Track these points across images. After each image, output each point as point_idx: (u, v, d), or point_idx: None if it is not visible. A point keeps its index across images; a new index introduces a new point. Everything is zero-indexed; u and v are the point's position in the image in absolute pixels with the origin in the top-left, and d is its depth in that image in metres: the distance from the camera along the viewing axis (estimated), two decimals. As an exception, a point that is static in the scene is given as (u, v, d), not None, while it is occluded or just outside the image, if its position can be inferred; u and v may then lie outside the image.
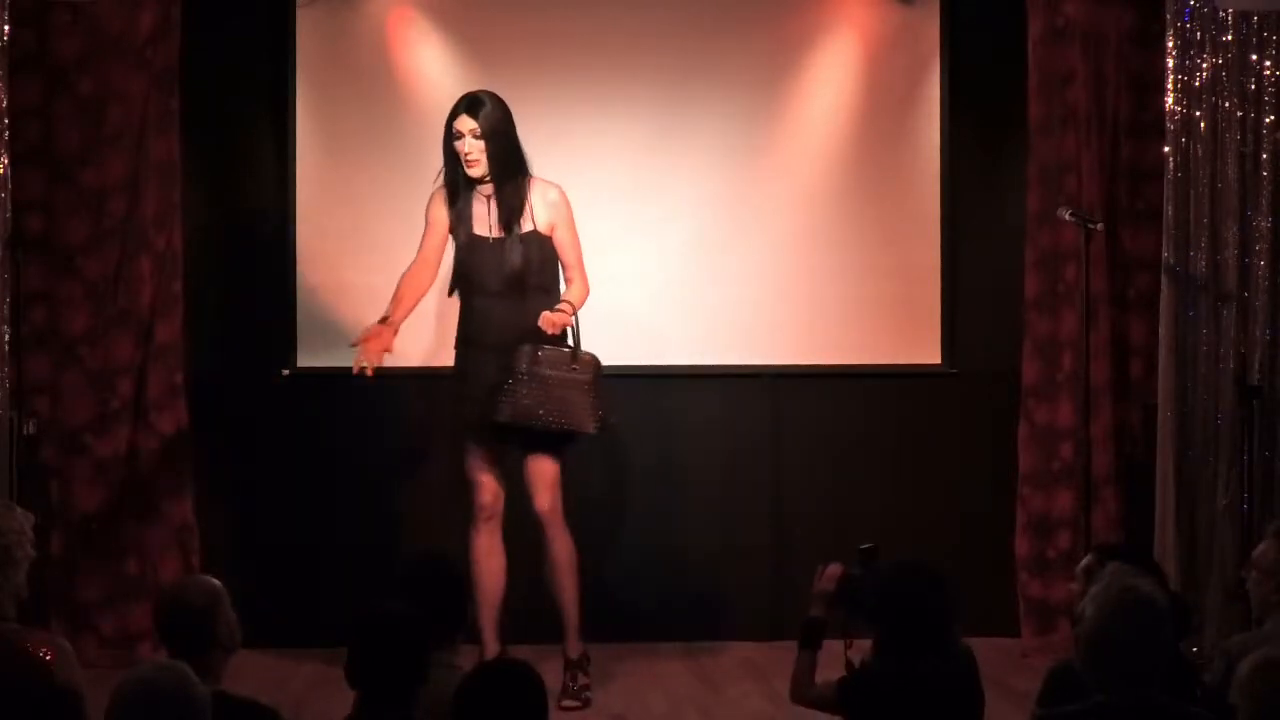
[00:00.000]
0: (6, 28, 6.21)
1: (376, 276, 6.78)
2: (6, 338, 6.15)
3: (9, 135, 6.21)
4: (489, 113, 5.77)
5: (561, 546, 5.94)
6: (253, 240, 6.86)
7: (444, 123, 5.82)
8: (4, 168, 6.17)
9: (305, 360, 6.80)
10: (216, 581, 3.89)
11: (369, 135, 6.81)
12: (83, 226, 6.43)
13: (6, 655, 3.83)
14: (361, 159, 6.82)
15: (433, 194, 5.96)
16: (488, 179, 5.81)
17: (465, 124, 5.76)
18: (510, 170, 5.80)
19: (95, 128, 6.43)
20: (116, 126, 6.43)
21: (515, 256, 5.80)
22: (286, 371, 6.79)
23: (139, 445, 6.48)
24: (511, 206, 5.80)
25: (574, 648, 5.96)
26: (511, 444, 5.93)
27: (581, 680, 5.92)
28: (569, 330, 5.82)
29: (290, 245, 6.78)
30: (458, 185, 5.85)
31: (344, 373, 6.76)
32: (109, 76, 6.42)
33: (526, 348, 5.74)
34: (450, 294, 6.01)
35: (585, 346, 5.85)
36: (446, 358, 6.70)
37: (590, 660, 6.00)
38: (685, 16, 6.88)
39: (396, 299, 5.91)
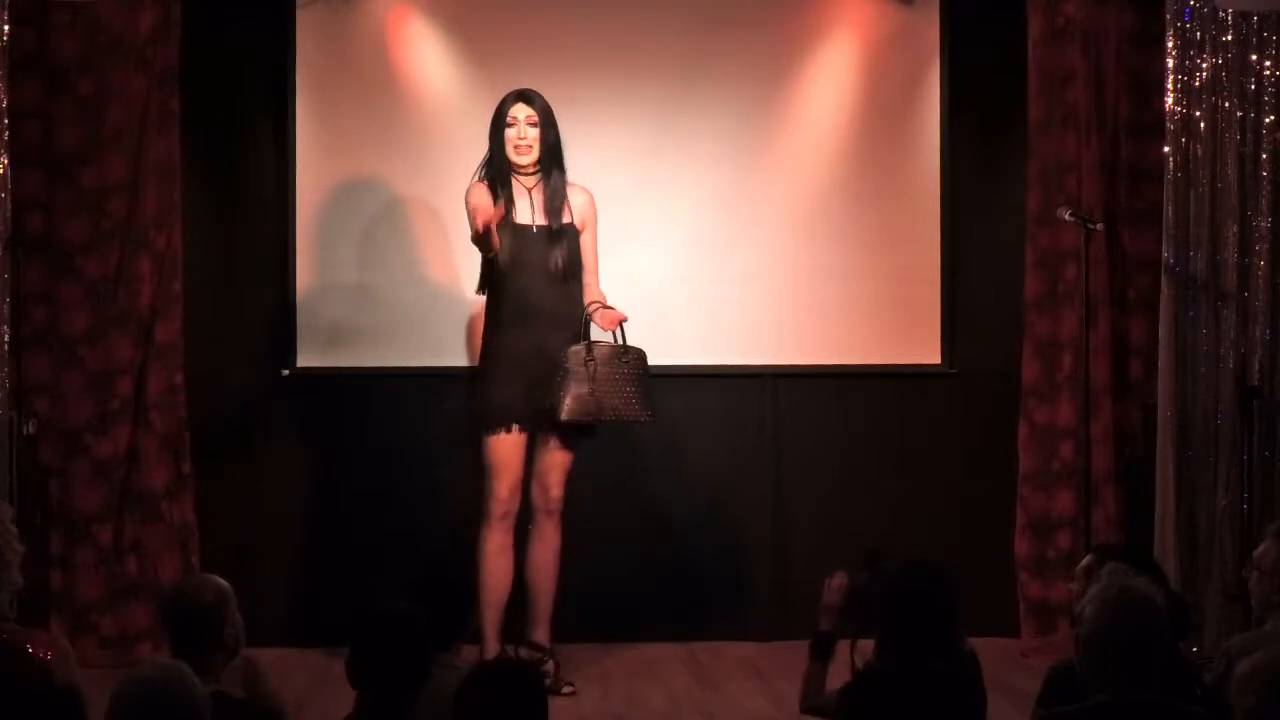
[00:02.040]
0: (6, 28, 6.21)
1: (376, 276, 6.80)
2: (6, 338, 6.15)
3: (9, 135, 6.20)
4: (543, 105, 5.97)
5: (558, 538, 6.04)
6: (253, 240, 6.87)
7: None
8: (4, 168, 6.17)
9: (305, 360, 6.80)
10: (225, 582, 3.88)
11: (369, 135, 6.81)
12: (83, 226, 6.43)
13: (6, 655, 3.83)
14: (361, 159, 6.81)
15: (470, 188, 5.99)
16: (535, 168, 5.95)
17: (522, 111, 5.94)
18: (555, 163, 5.98)
19: (95, 128, 6.43)
20: (116, 126, 6.43)
21: (562, 245, 5.95)
22: (286, 371, 6.79)
23: (139, 445, 6.48)
24: (557, 197, 5.97)
25: (549, 635, 6.02)
26: (541, 436, 5.98)
27: (550, 667, 5.95)
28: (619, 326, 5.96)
29: (290, 245, 6.78)
30: (505, 175, 5.94)
31: (344, 373, 6.81)
32: (109, 76, 6.42)
33: (580, 346, 5.86)
34: (480, 290, 6.04)
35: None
36: (447, 357, 6.73)
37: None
38: (685, 16, 6.89)
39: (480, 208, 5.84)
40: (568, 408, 5.82)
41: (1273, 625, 4.26)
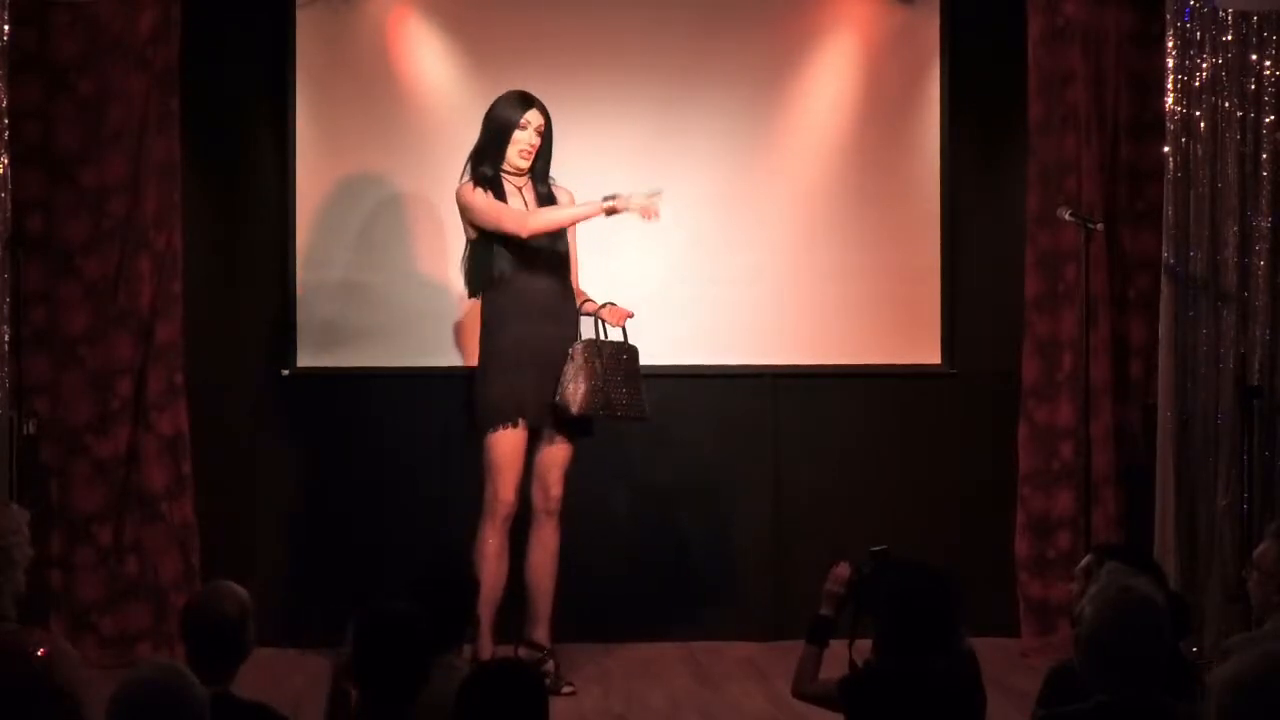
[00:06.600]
0: (6, 28, 6.21)
1: (376, 276, 6.80)
2: (6, 338, 6.15)
3: (9, 135, 6.20)
4: (548, 115, 6.04)
5: (557, 538, 6.06)
6: (253, 240, 6.87)
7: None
8: (4, 168, 6.17)
9: (305, 360, 6.80)
10: (244, 592, 3.86)
11: (369, 135, 6.81)
12: (83, 226, 6.44)
13: (6, 656, 3.83)
14: (361, 159, 6.82)
15: (459, 190, 6.00)
16: (527, 173, 6.02)
17: (536, 119, 6.01)
18: (546, 168, 6.07)
19: (95, 128, 6.43)
20: (116, 126, 6.43)
21: (562, 243, 6.02)
22: (286, 372, 6.79)
23: (139, 445, 6.48)
24: (552, 198, 6.04)
25: (549, 635, 6.03)
26: (544, 432, 6.00)
27: (550, 667, 5.95)
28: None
29: (290, 245, 6.79)
30: (496, 176, 5.98)
31: (343, 373, 6.81)
32: (109, 76, 6.42)
33: (585, 341, 5.94)
34: (474, 294, 6.04)
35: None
36: (447, 357, 6.73)
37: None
38: (685, 16, 6.89)
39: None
40: (581, 401, 5.86)
41: (1273, 625, 4.25)
